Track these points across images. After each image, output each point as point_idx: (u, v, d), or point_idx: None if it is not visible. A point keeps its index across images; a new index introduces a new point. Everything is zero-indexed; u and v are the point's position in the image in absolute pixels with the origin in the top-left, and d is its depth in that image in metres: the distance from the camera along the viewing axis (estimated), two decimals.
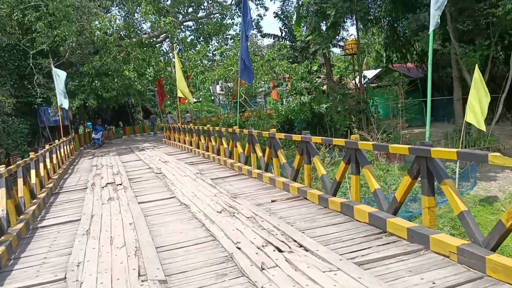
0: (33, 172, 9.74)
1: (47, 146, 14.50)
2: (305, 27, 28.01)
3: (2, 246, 5.66)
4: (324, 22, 24.43)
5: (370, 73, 36.79)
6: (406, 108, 25.66)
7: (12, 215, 7.20)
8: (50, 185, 10.80)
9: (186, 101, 29.80)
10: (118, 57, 23.70)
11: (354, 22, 29.33)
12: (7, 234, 6.29)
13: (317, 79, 26.51)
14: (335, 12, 22.29)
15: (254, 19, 30.89)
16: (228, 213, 6.64)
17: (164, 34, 29.42)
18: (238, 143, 11.19)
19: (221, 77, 20.72)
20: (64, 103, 18.29)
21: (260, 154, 9.64)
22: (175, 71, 25.62)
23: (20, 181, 8.23)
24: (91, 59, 22.87)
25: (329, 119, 29.24)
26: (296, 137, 7.59)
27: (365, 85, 26.76)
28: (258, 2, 29.59)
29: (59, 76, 18.16)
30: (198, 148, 15.87)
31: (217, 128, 13.11)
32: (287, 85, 25.79)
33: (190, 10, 30.28)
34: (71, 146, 20.17)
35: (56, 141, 16.13)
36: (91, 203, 8.63)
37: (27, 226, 7.05)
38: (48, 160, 12.32)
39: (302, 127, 30.14)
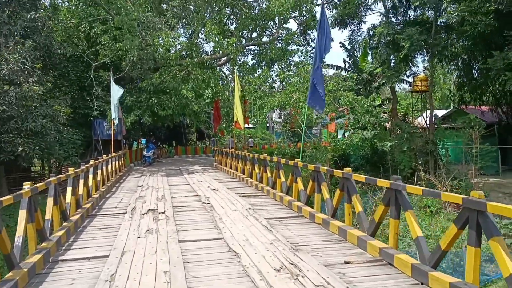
0: (69, 190, 8.73)
1: (91, 162, 13.79)
2: (372, 59, 26.36)
3: None
4: (394, 55, 22.70)
5: (437, 113, 34.30)
6: (481, 154, 23.12)
7: (32, 243, 6.08)
8: (88, 205, 9.78)
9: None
10: (177, 75, 23.23)
11: (425, 57, 27.46)
12: (17, 269, 5.12)
13: (382, 114, 24.62)
14: (410, 44, 20.56)
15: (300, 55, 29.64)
16: (289, 274, 5.11)
17: (226, 57, 28.91)
18: (299, 179, 9.69)
19: (281, 103, 19.46)
20: (116, 117, 17.70)
21: (327, 195, 8.07)
22: (233, 94, 24.81)
23: (50, 201, 7.18)
24: (151, 76, 22.51)
25: (390, 158, 27.18)
26: (383, 183, 5.99)
27: (435, 125, 24.50)
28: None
29: (116, 90, 17.66)
30: (251, 177, 14.52)
31: (275, 159, 11.68)
32: (348, 118, 24.11)
33: (254, 35, 29.67)
34: (120, 162, 19.52)
35: (104, 156, 15.38)
36: (125, 234, 7.41)
37: (46, 258, 5.87)
38: (90, 177, 11.41)
39: (360, 164, 28.20)
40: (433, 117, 24.50)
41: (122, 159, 20.92)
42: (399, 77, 24.21)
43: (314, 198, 8.65)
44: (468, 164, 23.45)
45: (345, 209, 7.20)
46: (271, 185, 11.97)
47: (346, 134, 28.63)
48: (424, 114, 33.47)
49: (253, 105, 21.28)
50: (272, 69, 24.08)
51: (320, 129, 38.64)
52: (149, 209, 9.74)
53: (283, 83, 22.93)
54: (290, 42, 24.23)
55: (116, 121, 18.60)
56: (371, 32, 24.68)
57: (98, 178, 12.76)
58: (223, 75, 27.95)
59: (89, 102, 22.45)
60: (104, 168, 14.06)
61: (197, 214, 9.23)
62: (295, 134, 43.90)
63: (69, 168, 9.42)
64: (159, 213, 9.34)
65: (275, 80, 24.58)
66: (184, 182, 15.66)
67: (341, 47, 33.81)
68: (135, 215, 9.18)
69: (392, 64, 23.32)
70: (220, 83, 25.62)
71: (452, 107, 35.24)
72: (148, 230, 7.71)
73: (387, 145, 23.33)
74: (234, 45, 20.86)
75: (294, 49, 24.29)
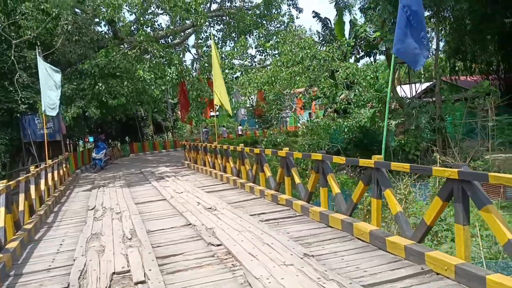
0: None
1: (32, 168, 9.00)
2: (368, 22, 22.23)
3: None
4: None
5: (410, 87, 31.06)
6: (500, 127, 19.92)
7: None
8: None
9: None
10: (129, 53, 18.17)
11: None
12: None
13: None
14: None
15: (284, 21, 24.99)
16: None
17: (184, 32, 23.99)
18: (390, 192, 5.34)
19: (272, 79, 14.99)
20: (49, 109, 12.54)
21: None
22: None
23: None
24: (94, 55, 17.28)
25: (381, 138, 23.64)
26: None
27: (443, 97, 20.94)
28: (291, 2, 23.47)
29: (45, 71, 12.50)
30: (256, 183, 10.07)
31: (319, 156, 7.12)
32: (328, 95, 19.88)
33: (214, 7, 24.78)
34: (61, 171, 14.41)
35: (33, 167, 10.25)
36: None
37: None
38: (1, 211, 6.53)
39: (343, 148, 24.57)
40: (439, 89, 20.81)
41: (64, 165, 15.76)
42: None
43: (458, 235, 4.32)
44: (483, 140, 20.25)
45: None
46: (305, 197, 7.56)
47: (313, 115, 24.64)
48: (407, 87, 30.30)
49: (231, 84, 16.67)
50: (248, 39, 19.33)
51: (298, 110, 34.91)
52: (113, 273, 5.08)
53: (265, 55, 18.44)
54: (271, 5, 19.54)
55: (51, 113, 13.39)
56: None
57: (21, 207, 7.83)
58: (187, 50, 22.96)
59: (13, 93, 16.97)
60: (32, 188, 9.05)
61: (215, 284, 4.65)
62: (264, 120, 39.81)
63: None
64: (136, 283, 4.71)
65: (249, 55, 19.97)
66: (156, 196, 10.93)
67: (314, 17, 29.81)
68: None
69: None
70: (185, 63, 20.68)
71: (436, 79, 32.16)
72: None
73: (391, 124, 19.54)
74: (202, 4, 15.95)
75: (275, 14, 19.62)
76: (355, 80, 17.01)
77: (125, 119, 28.24)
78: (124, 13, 15.82)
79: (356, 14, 29.95)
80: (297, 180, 7.84)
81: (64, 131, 17.73)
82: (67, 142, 28.46)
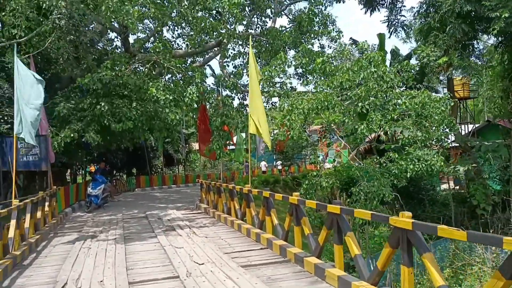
0: None
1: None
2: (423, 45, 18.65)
3: None
4: (471, 35, 15.24)
5: (461, 127, 27.30)
6: None
7: None
8: None
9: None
10: (141, 68, 14.90)
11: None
12: None
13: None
14: (509, 15, 13.24)
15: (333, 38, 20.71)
16: None
17: (207, 52, 20.93)
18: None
19: (323, 104, 11.45)
20: (26, 132, 9.05)
21: None
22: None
23: None
24: (99, 70, 13.92)
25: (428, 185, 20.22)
26: None
27: None
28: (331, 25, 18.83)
29: (25, 77, 9.11)
30: (319, 258, 6.29)
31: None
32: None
33: (240, 28, 21.63)
34: (39, 213, 10.76)
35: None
36: None
37: None
38: None
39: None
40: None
41: (48, 204, 12.14)
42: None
43: None
44: None
45: None
46: None
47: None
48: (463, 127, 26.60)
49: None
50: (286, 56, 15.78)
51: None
52: None
53: (306, 78, 15.03)
54: (313, 18, 16.23)
55: (31, 141, 9.89)
56: (422, 9, 17.25)
57: None
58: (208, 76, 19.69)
59: None
60: None
61: None
62: (286, 156, 36.05)
63: None
64: None
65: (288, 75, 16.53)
66: (163, 266, 7.13)
67: (352, 44, 26.66)
68: None
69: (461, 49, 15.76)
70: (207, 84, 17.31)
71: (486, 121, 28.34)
72: None
73: (459, 170, 15.68)
74: (239, 7, 12.63)
75: (317, 30, 16.30)
76: (422, 113, 13.33)
77: (133, 149, 24.68)
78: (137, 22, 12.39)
79: (400, 39, 27.05)
80: (439, 282, 4.04)
81: (52, 160, 14.17)
82: (68, 173, 24.99)
